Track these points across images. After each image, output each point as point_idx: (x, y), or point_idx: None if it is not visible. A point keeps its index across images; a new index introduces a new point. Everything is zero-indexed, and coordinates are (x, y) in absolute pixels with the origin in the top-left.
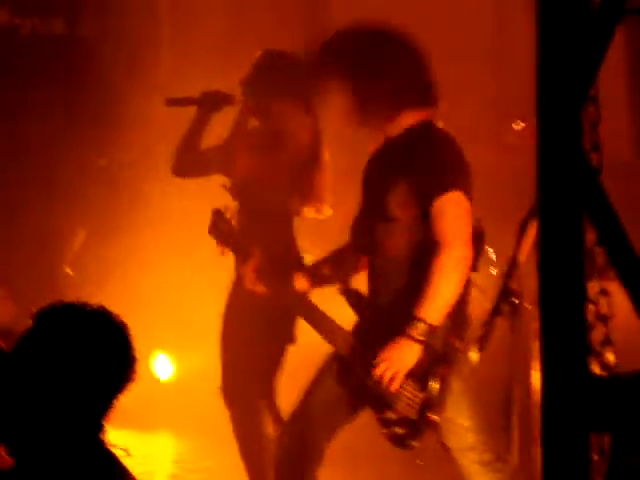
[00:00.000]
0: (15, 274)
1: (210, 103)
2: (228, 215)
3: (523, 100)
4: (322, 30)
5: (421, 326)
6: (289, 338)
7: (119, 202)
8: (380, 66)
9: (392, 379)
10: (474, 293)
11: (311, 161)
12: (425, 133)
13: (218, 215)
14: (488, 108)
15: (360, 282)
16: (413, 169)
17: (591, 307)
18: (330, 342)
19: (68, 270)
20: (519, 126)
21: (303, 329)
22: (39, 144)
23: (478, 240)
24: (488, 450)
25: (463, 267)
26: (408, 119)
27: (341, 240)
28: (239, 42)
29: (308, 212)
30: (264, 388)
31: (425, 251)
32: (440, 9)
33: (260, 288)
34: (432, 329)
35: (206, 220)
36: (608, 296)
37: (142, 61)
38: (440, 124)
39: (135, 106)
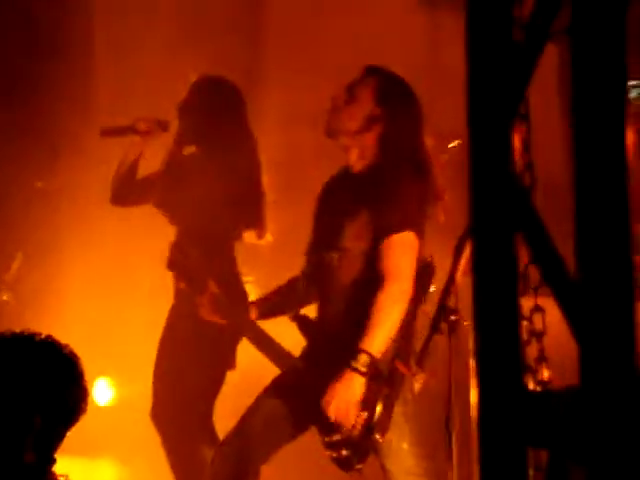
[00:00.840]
0: None
1: (144, 130)
2: (187, 249)
3: (458, 118)
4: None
5: (364, 358)
6: (228, 364)
7: (57, 225)
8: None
9: (345, 414)
10: (422, 321)
11: (250, 186)
12: (390, 169)
13: (178, 248)
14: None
15: (310, 308)
16: (372, 203)
17: (526, 324)
18: (278, 367)
19: (5, 296)
20: (454, 144)
21: (243, 353)
22: None
23: (427, 274)
24: (425, 475)
25: (404, 302)
26: (377, 154)
27: (276, 264)
28: (178, 66)
29: (249, 237)
30: (200, 413)
31: (373, 281)
32: (372, 26)
33: (215, 318)
34: (374, 360)
35: (146, 244)
36: (542, 312)
37: (80, 85)
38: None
39: (73, 129)
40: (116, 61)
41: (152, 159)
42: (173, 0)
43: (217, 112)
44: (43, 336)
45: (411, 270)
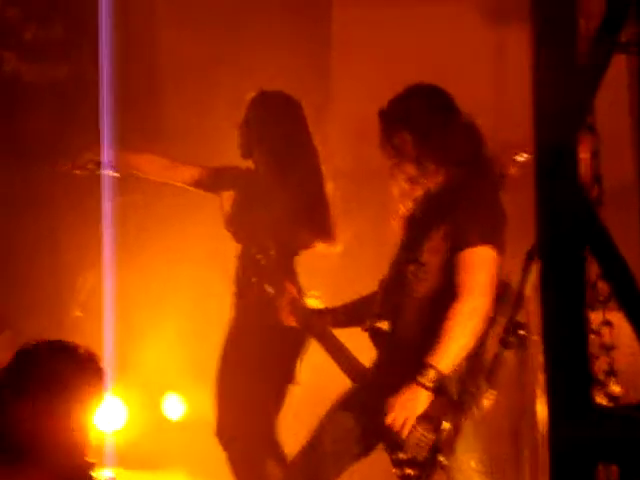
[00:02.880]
0: (25, 319)
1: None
2: (272, 252)
3: (526, 131)
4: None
5: (431, 373)
6: (289, 379)
7: (128, 243)
8: (432, 123)
9: (402, 426)
10: (493, 341)
11: (316, 197)
12: (471, 185)
13: (262, 249)
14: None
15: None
16: (451, 217)
17: (595, 338)
18: (350, 377)
19: (78, 313)
20: (522, 158)
21: (308, 369)
22: (48, 186)
23: (504, 295)
24: None
25: (477, 318)
26: (453, 173)
27: (342, 278)
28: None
29: (320, 247)
30: (263, 429)
31: (447, 296)
32: (438, 42)
33: (293, 323)
34: (442, 376)
35: (219, 260)
36: (611, 327)
37: (144, 101)
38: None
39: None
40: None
41: None
42: (240, 16)
43: (279, 126)
44: (72, 344)
45: (488, 286)
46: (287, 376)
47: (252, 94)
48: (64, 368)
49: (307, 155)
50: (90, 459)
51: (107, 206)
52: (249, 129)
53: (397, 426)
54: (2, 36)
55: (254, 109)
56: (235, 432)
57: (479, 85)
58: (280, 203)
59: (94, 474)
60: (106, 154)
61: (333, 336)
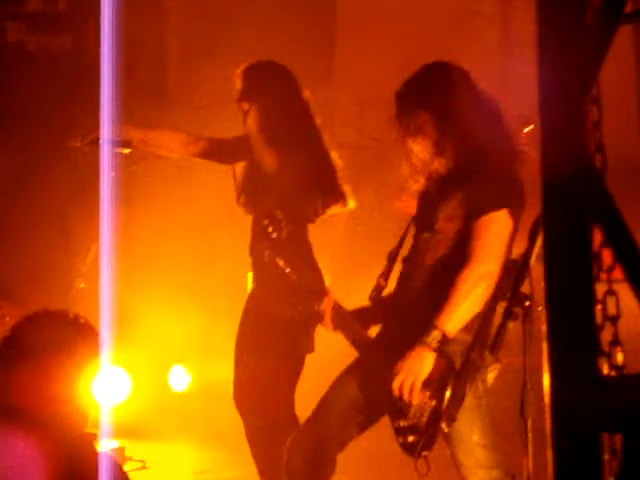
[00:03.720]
0: (30, 290)
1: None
2: (283, 223)
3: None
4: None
5: (436, 333)
6: (307, 348)
7: (132, 217)
8: (451, 100)
9: (410, 390)
10: (499, 313)
11: (322, 161)
12: (483, 153)
13: (273, 221)
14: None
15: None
16: (466, 185)
17: (599, 308)
18: (352, 343)
19: (82, 284)
20: (530, 128)
21: (321, 340)
22: (54, 161)
23: (517, 272)
24: (497, 467)
25: (486, 284)
26: (471, 149)
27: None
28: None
29: (334, 209)
30: (281, 398)
31: (458, 261)
32: (442, 20)
33: (331, 328)
34: (446, 338)
35: (225, 233)
36: (616, 296)
37: (148, 70)
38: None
39: (145, 117)
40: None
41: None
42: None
43: (272, 95)
44: (71, 313)
45: (500, 252)
46: (304, 345)
47: (243, 65)
48: (63, 335)
49: (306, 122)
50: (90, 430)
51: (108, 178)
52: (244, 100)
53: (404, 390)
54: (5, 6)
55: (246, 80)
56: (251, 401)
57: (485, 59)
58: (286, 172)
59: (96, 444)
60: (119, 130)
61: (368, 338)
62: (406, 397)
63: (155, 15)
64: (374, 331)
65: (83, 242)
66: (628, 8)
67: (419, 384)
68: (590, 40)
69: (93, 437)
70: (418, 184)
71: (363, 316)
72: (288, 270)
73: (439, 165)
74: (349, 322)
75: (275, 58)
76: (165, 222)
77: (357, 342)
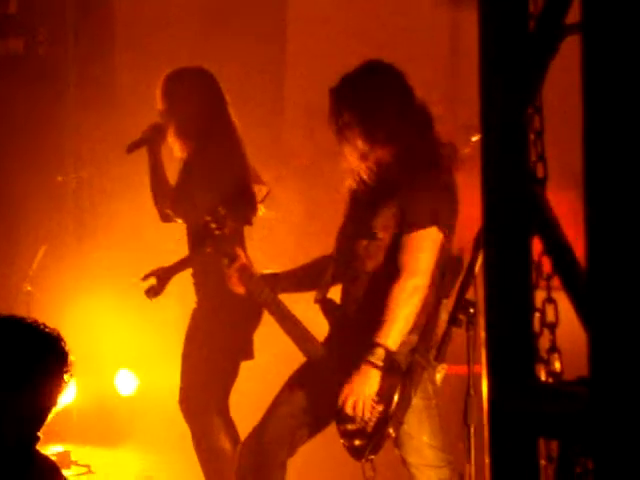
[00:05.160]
0: None
1: (152, 138)
2: (226, 219)
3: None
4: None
5: (380, 352)
6: (246, 355)
7: (78, 218)
8: (382, 101)
9: (361, 408)
10: (444, 316)
11: (238, 171)
12: (421, 164)
13: (215, 217)
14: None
15: (335, 294)
16: (398, 198)
17: (537, 315)
18: (300, 348)
19: (28, 287)
20: (477, 137)
21: (260, 346)
22: (3, 159)
23: (456, 268)
24: (445, 466)
25: (419, 296)
26: (402, 151)
27: (289, 250)
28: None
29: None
30: (221, 404)
31: (393, 274)
32: (393, 20)
33: (242, 290)
34: (390, 353)
35: (168, 236)
36: (554, 304)
37: (96, 75)
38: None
39: (92, 121)
40: (135, 49)
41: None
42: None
43: (188, 102)
44: (29, 319)
45: (429, 266)
46: (245, 352)
47: (168, 70)
48: (32, 347)
49: (224, 129)
50: (38, 433)
51: (61, 182)
52: (164, 105)
53: (358, 411)
54: None
55: (166, 86)
56: (191, 404)
57: (434, 65)
58: (207, 178)
59: (40, 448)
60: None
61: (283, 306)
62: (358, 414)
63: (104, 22)
64: (284, 297)
65: (28, 245)
66: (572, 18)
67: (369, 402)
68: (532, 50)
69: (37, 440)
70: (354, 182)
71: (273, 281)
72: (229, 267)
73: (365, 168)
74: (258, 284)
75: (222, 67)
76: (112, 226)
77: (267, 304)
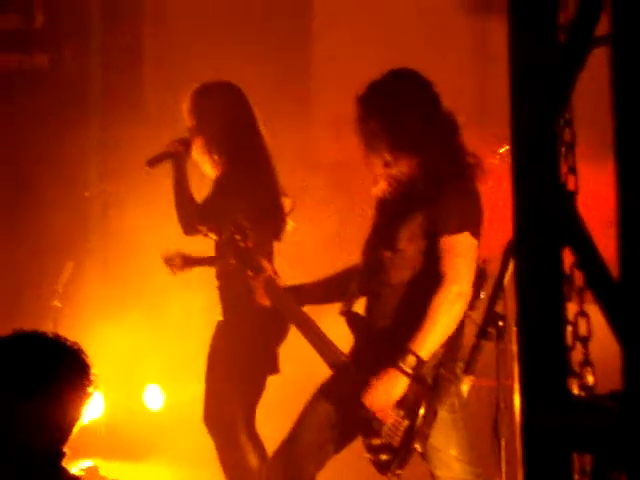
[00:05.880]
0: (5, 311)
1: (173, 152)
2: (249, 232)
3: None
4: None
5: (411, 359)
6: (272, 369)
7: (106, 233)
8: (408, 110)
9: (380, 410)
10: (470, 328)
11: (267, 186)
12: (446, 174)
13: (239, 229)
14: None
15: (360, 306)
16: (429, 206)
17: (570, 329)
18: (327, 361)
19: (56, 303)
20: (504, 149)
21: (285, 359)
22: (25, 176)
23: (480, 279)
24: (475, 479)
25: (461, 304)
26: (427, 160)
27: (317, 261)
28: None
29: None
30: (246, 419)
31: (424, 282)
32: (419, 35)
33: (266, 302)
34: (421, 363)
35: (200, 251)
36: (587, 317)
37: (123, 89)
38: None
39: (118, 136)
40: (165, 70)
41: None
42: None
43: (218, 116)
44: (51, 334)
45: (470, 272)
46: (270, 367)
47: (195, 85)
48: (54, 361)
49: (253, 144)
50: (63, 449)
51: (87, 197)
52: (192, 120)
53: (377, 410)
54: None
55: (194, 102)
56: (219, 421)
57: (463, 73)
58: (236, 193)
59: (67, 464)
60: None
61: (309, 319)
62: (378, 416)
63: (132, 36)
64: (308, 309)
65: (55, 261)
66: (601, 30)
67: (391, 404)
68: (562, 62)
69: (63, 455)
70: (380, 192)
71: (298, 293)
72: (254, 279)
73: (397, 173)
74: (283, 296)
75: (249, 77)
76: (138, 241)
77: (292, 317)
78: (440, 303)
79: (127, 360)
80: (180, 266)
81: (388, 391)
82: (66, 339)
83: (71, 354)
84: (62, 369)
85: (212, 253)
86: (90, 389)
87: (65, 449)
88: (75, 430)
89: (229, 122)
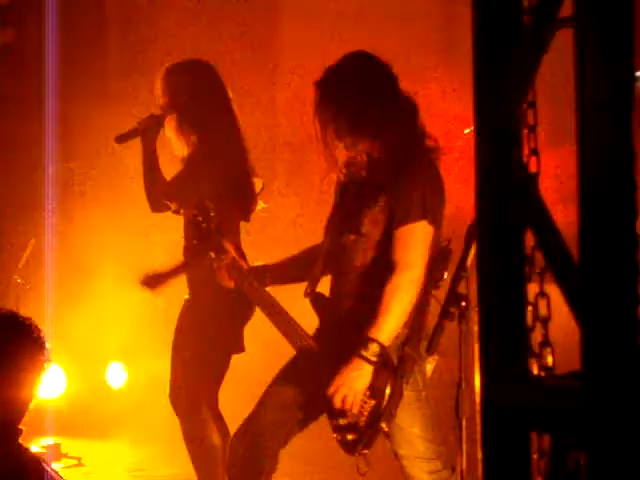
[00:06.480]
0: None
1: (149, 129)
2: (212, 213)
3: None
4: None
5: (374, 347)
6: (237, 348)
7: (68, 211)
8: (366, 92)
9: (351, 402)
10: (434, 308)
11: (239, 165)
12: (407, 157)
13: (202, 211)
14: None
15: (324, 287)
16: (387, 191)
17: (530, 309)
18: (290, 342)
19: (18, 279)
20: (469, 130)
21: (249, 339)
22: None
23: (443, 260)
24: (437, 459)
25: (414, 291)
26: (388, 143)
27: (287, 240)
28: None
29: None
30: (210, 397)
31: (387, 265)
32: (386, 18)
33: (231, 284)
34: (384, 349)
35: (160, 230)
36: (547, 298)
37: (88, 66)
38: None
39: (82, 114)
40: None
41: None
42: None
43: (191, 95)
44: (4, 310)
45: (423, 260)
46: (235, 346)
47: (166, 65)
48: (7, 336)
49: (224, 123)
50: (19, 425)
51: (48, 172)
52: (164, 97)
53: (347, 404)
54: None
55: (167, 80)
56: (183, 398)
57: (428, 56)
58: (208, 172)
59: (27, 441)
60: None
61: (272, 299)
62: (347, 407)
63: (95, 12)
64: (272, 289)
65: (17, 238)
66: (564, 12)
67: (359, 396)
68: (525, 44)
69: (19, 432)
70: (341, 175)
71: (262, 273)
72: (217, 261)
73: (358, 157)
74: (246, 278)
75: (215, 58)
76: (101, 219)
77: (255, 298)
78: (393, 292)
79: (90, 338)
80: (155, 284)
81: (353, 380)
82: (19, 315)
83: (25, 329)
84: (15, 344)
85: (172, 230)
86: (45, 364)
87: (21, 426)
88: (31, 405)
89: (201, 100)
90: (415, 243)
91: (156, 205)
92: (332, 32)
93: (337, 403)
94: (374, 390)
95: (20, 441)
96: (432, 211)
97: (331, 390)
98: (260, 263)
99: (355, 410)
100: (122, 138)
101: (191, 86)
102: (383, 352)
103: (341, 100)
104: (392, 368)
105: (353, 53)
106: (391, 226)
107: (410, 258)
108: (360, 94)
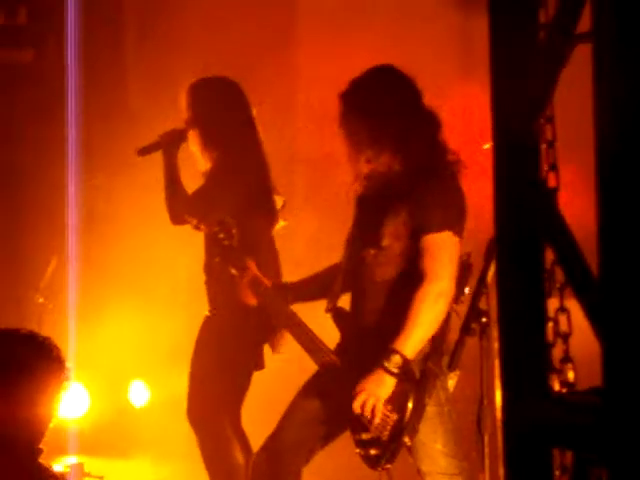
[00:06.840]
0: None
1: (171, 143)
2: (234, 230)
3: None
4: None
5: (396, 359)
6: (257, 365)
7: (91, 230)
8: (389, 106)
9: (372, 410)
10: (455, 322)
11: (261, 181)
12: (429, 170)
13: (224, 227)
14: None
15: (345, 302)
16: (411, 203)
17: (550, 325)
18: (313, 358)
19: (40, 299)
20: (488, 145)
21: (272, 357)
22: (7, 172)
23: (465, 273)
24: (459, 474)
25: (443, 302)
26: (410, 156)
27: (307, 258)
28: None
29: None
30: (232, 415)
31: (410, 279)
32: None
33: (254, 301)
34: (407, 361)
35: (184, 249)
36: (567, 313)
37: (108, 82)
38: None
39: (102, 130)
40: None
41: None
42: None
43: (216, 112)
44: (25, 330)
45: (451, 271)
46: (256, 363)
47: (192, 80)
48: (26, 356)
49: (248, 140)
50: (39, 445)
51: (71, 190)
52: (188, 112)
53: (365, 412)
54: None
55: (192, 95)
56: (201, 417)
57: (446, 71)
58: (230, 187)
59: (50, 461)
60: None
61: (296, 316)
62: (368, 416)
63: (114, 30)
64: (296, 308)
65: (40, 257)
66: (582, 28)
67: (381, 406)
68: (543, 59)
69: (39, 452)
70: (362, 188)
71: (284, 291)
72: (239, 278)
73: (380, 170)
74: (268, 295)
75: (235, 75)
76: (125, 238)
77: (278, 315)
78: (421, 303)
79: (112, 356)
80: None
81: (376, 392)
82: (39, 334)
83: (43, 348)
84: (34, 364)
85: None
86: (64, 383)
87: (41, 445)
88: (50, 425)
89: (225, 116)
90: (442, 253)
91: (177, 219)
92: (355, 47)
93: (356, 408)
94: (396, 404)
95: (40, 460)
96: (455, 222)
97: (352, 397)
98: (282, 281)
99: (377, 420)
100: (144, 150)
101: (215, 102)
102: (405, 365)
103: (364, 112)
104: (414, 382)
105: (377, 66)
106: (413, 239)
107: (438, 268)
108: (383, 107)
